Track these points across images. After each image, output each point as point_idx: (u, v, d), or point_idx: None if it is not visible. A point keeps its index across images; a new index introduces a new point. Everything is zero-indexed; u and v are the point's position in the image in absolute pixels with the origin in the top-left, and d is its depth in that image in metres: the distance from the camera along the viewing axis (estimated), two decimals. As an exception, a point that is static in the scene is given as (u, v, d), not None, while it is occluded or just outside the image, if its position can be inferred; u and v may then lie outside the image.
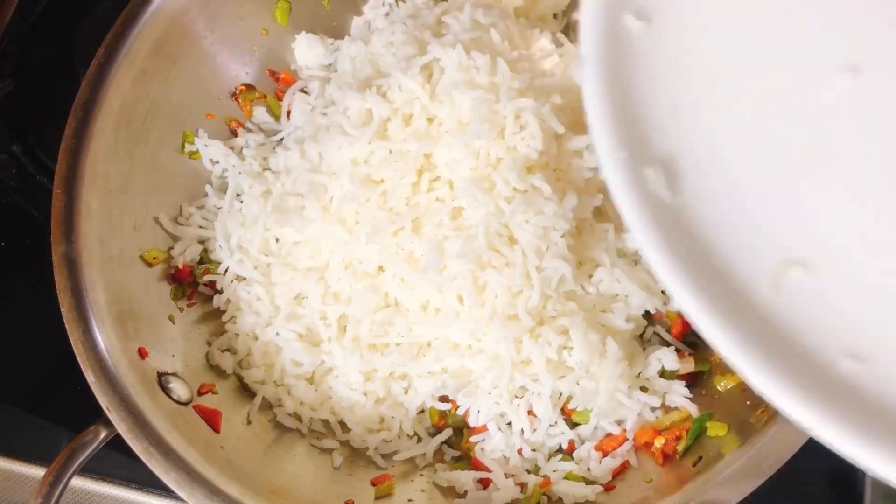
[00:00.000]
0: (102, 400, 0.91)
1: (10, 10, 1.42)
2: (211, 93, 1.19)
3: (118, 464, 1.12)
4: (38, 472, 1.18)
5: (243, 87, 1.22)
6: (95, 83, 1.05)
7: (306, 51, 1.24)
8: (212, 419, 1.00)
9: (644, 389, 1.01)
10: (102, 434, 0.92)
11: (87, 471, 1.11)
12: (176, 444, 0.91)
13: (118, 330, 0.97)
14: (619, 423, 1.01)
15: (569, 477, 0.98)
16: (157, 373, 0.98)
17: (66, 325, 0.94)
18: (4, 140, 1.34)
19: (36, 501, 0.88)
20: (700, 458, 0.92)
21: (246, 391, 1.08)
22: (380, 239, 1.01)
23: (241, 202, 1.15)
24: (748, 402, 0.94)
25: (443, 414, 1.07)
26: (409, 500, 0.99)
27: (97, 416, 0.92)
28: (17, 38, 1.42)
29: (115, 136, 1.05)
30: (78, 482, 1.15)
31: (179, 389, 0.99)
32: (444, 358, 1.02)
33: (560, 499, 0.96)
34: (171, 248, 1.11)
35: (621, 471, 0.99)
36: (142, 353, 0.98)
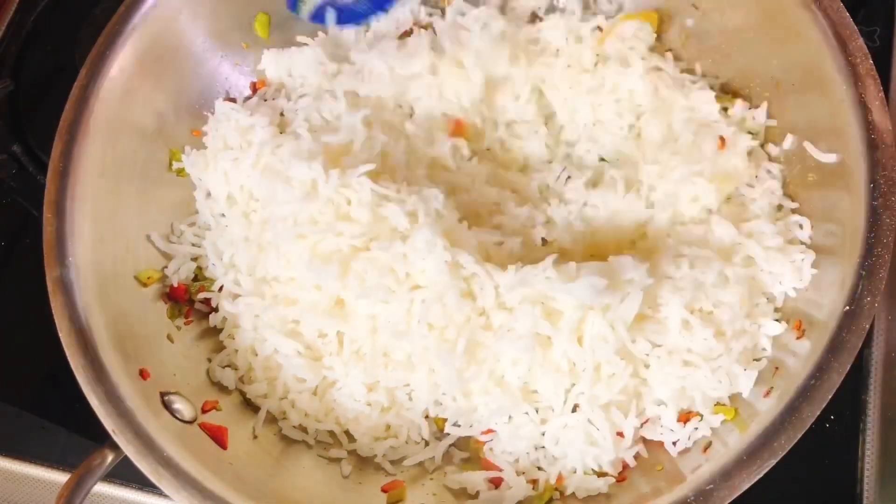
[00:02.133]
0: (108, 423, 0.90)
1: (10, 10, 1.42)
2: (195, 108, 1.19)
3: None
4: (38, 471, 1.16)
5: (228, 101, 1.21)
6: (80, 104, 1.04)
7: (274, 66, 1.23)
8: (218, 436, 0.99)
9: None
10: (110, 458, 0.91)
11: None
12: (185, 463, 0.89)
13: (118, 352, 0.96)
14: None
15: (580, 470, 0.98)
16: (160, 393, 0.97)
17: (66, 351, 0.93)
18: (4, 140, 1.33)
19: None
20: (710, 443, 0.92)
21: (249, 406, 1.07)
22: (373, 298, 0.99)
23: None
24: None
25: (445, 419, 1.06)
26: (422, 505, 0.99)
27: (96, 414, 0.91)
28: (17, 38, 1.42)
29: (103, 157, 1.05)
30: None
31: (183, 408, 0.98)
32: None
33: (573, 493, 0.96)
34: (165, 266, 1.10)
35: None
36: (143, 374, 0.97)
